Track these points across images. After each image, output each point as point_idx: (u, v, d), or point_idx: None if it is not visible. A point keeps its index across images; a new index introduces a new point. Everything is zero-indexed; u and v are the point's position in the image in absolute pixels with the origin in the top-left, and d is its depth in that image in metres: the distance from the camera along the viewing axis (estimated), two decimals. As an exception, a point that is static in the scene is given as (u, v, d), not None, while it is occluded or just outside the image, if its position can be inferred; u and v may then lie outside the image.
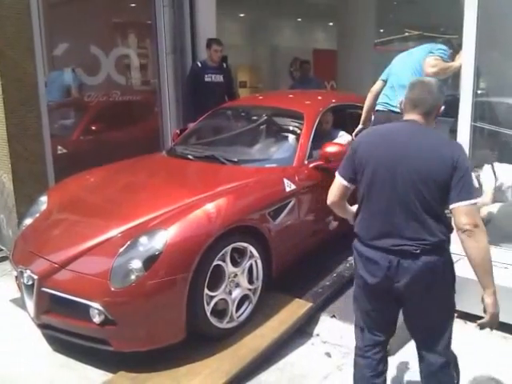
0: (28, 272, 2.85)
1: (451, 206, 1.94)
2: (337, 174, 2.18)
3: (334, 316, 3.16)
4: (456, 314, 2.35)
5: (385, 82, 3.89)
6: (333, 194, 2.20)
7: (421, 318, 2.10)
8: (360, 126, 4.13)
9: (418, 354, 2.17)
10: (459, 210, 1.91)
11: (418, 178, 1.94)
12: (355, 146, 2.14)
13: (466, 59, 3.47)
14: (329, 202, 2.23)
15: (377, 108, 3.84)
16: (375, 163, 2.02)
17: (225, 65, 5.47)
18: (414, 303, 2.07)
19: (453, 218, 1.97)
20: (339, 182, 2.16)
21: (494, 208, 3.64)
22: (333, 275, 3.50)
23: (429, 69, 3.55)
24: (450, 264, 2.07)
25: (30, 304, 2.89)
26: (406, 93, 2.15)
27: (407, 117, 2.12)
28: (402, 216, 1.97)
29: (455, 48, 3.69)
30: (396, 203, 1.98)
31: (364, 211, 2.11)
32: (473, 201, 1.92)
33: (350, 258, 3.69)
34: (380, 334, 2.18)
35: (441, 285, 2.04)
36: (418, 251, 1.95)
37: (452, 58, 3.69)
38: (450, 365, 2.16)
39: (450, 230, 2.02)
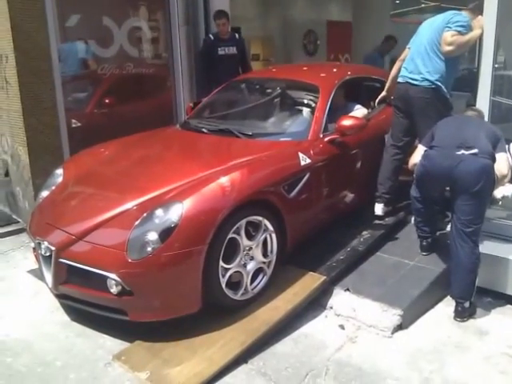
0: (45, 243, 2.89)
1: None
2: None
3: (347, 289, 3.17)
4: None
5: (410, 49, 3.77)
6: None
7: None
8: (383, 93, 4.09)
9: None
10: None
11: None
12: None
13: (487, 31, 3.37)
14: None
15: (398, 80, 3.78)
16: None
17: (237, 35, 5.35)
18: None
19: None
20: None
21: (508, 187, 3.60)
22: (347, 249, 3.49)
23: (445, 47, 3.44)
24: None
25: (48, 275, 2.94)
26: None
27: None
28: None
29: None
30: None
31: None
32: None
33: (364, 233, 3.69)
34: None
35: None
36: None
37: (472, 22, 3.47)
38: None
39: None
